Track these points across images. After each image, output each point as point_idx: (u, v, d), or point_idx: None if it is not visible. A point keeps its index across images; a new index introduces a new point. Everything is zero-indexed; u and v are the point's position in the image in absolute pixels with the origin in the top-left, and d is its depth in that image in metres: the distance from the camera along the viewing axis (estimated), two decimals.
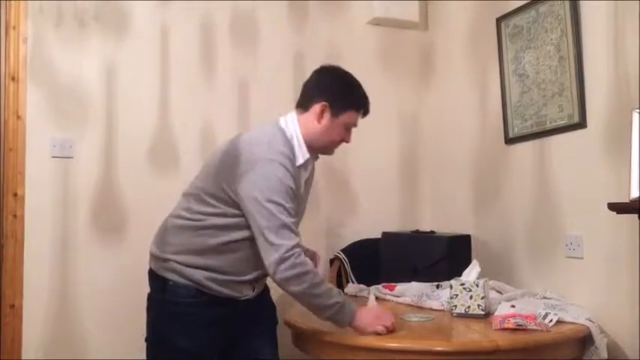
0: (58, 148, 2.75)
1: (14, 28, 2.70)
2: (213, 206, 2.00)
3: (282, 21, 3.18)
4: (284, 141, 2.03)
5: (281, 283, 1.93)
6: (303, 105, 2.13)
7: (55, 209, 2.74)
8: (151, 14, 2.94)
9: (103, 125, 2.84)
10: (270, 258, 1.90)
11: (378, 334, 1.96)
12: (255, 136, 2.07)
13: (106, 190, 2.82)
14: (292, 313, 2.36)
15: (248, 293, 2.09)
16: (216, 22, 3.06)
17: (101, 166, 2.82)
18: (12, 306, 2.65)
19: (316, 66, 3.18)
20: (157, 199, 2.80)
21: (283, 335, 2.31)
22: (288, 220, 1.92)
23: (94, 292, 2.76)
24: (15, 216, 2.67)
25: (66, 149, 2.76)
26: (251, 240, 1.98)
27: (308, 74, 3.10)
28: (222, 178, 1.99)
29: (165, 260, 2.04)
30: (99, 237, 2.80)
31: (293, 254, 1.89)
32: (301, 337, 2.20)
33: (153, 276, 2.09)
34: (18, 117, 2.70)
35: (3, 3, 2.71)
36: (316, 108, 2.08)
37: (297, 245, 1.92)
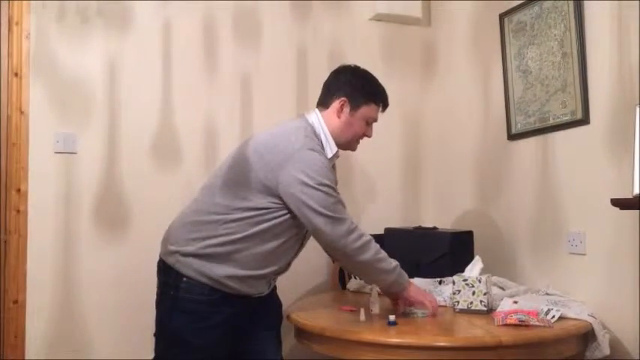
0: (61, 144, 2.75)
1: (17, 23, 2.70)
2: (243, 198, 2.01)
3: (284, 17, 3.18)
4: (314, 135, 2.11)
5: (351, 254, 2.03)
6: (323, 103, 2.21)
7: (58, 205, 2.74)
8: (154, 10, 2.93)
9: (105, 121, 2.84)
10: (337, 232, 1.99)
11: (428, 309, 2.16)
12: (289, 127, 2.12)
13: (109, 185, 2.82)
14: (295, 308, 2.37)
15: (263, 290, 2.11)
16: (218, 19, 3.06)
17: (104, 162, 2.83)
18: (15, 301, 2.66)
19: (319, 62, 3.22)
20: (160, 195, 2.81)
21: (285, 330, 2.31)
22: (339, 197, 2.04)
23: (97, 288, 2.77)
24: (18, 211, 2.68)
25: (69, 145, 2.76)
26: (276, 234, 2.02)
27: (311, 71, 3.16)
28: (257, 168, 2.00)
29: (184, 255, 2.02)
30: (102, 232, 2.81)
31: (356, 226, 2.03)
32: (304, 332, 2.20)
33: (166, 269, 2.06)
34: (21, 112, 2.70)
35: None
36: (336, 104, 2.16)
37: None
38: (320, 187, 1.97)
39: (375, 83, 2.24)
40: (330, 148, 2.14)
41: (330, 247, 2.06)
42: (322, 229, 1.99)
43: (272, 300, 2.25)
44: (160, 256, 2.11)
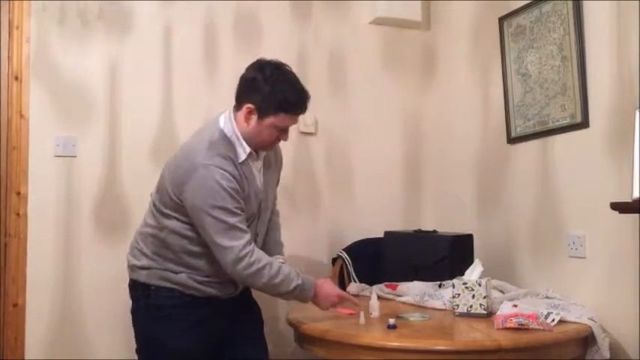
0: (61, 147, 2.75)
1: (17, 27, 2.71)
2: (169, 216, 2.03)
3: (284, 20, 3.18)
4: (222, 141, 2.03)
5: (242, 281, 2.03)
6: (237, 102, 2.11)
7: (58, 208, 2.74)
8: (154, 13, 2.94)
9: (106, 124, 2.84)
10: (225, 260, 1.95)
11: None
12: (194, 142, 2.07)
13: (109, 189, 2.82)
14: (295, 312, 2.36)
15: (230, 291, 2.12)
16: (219, 22, 3.06)
17: (104, 165, 2.83)
18: (15, 304, 2.66)
19: (319, 66, 3.23)
20: None
21: (286, 334, 2.31)
22: (234, 220, 1.95)
23: (96, 291, 2.76)
24: (18, 214, 2.68)
25: (69, 148, 2.77)
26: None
27: (311, 74, 3.16)
28: (171, 189, 2.01)
29: (145, 268, 2.08)
30: (102, 236, 2.80)
31: (247, 253, 1.94)
32: (304, 336, 2.20)
33: (135, 285, 2.12)
34: (21, 116, 2.70)
35: (6, 3, 2.72)
36: (244, 109, 2.05)
37: (249, 242, 1.96)
38: (211, 212, 1.92)
39: (287, 87, 2.03)
40: (244, 150, 2.05)
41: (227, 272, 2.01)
42: (214, 253, 1.97)
43: (248, 306, 2.26)
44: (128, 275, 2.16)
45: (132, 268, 2.13)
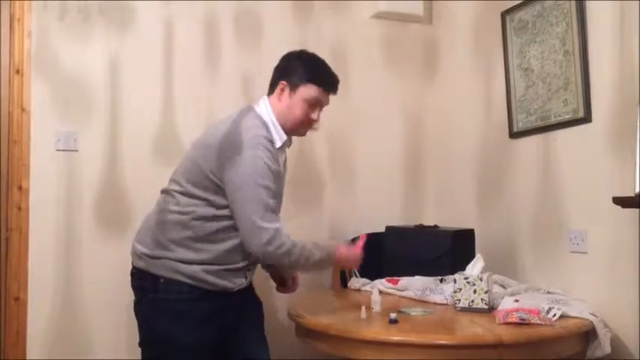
0: (62, 142, 2.75)
1: (19, 21, 2.70)
2: (200, 198, 2.03)
3: (285, 16, 3.18)
4: (261, 125, 2.07)
5: (273, 261, 2.06)
6: (270, 89, 2.19)
7: (59, 202, 2.75)
8: (155, 8, 2.93)
9: (107, 119, 2.84)
10: (256, 241, 1.95)
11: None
12: (235, 122, 2.07)
13: (110, 183, 2.82)
14: (297, 306, 2.36)
15: (241, 282, 2.11)
16: (220, 17, 3.05)
17: (105, 160, 2.83)
18: (16, 299, 2.66)
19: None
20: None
21: (287, 329, 2.32)
22: (273, 202, 1.98)
23: (98, 285, 2.77)
24: (19, 209, 2.68)
25: (70, 142, 2.77)
26: (235, 226, 2.01)
27: None
28: (208, 167, 2.01)
29: (157, 258, 2.04)
30: (103, 230, 2.81)
31: (276, 236, 1.96)
32: (305, 330, 2.21)
33: (141, 275, 2.08)
34: (23, 110, 2.70)
35: None
36: (278, 88, 2.13)
37: (279, 227, 1.98)
38: (255, 190, 1.95)
39: (317, 65, 2.17)
40: (280, 137, 2.10)
41: (254, 254, 2.02)
42: (245, 233, 1.98)
43: (252, 299, 2.26)
44: (132, 263, 2.13)
45: (140, 256, 2.08)
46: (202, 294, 2.03)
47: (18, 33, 2.70)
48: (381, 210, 3.26)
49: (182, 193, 2.06)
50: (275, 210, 2.00)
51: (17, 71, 2.70)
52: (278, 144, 2.09)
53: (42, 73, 2.74)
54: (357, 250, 2.23)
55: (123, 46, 2.87)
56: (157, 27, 2.94)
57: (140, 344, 2.10)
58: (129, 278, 2.73)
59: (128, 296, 2.73)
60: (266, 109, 2.12)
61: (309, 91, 2.12)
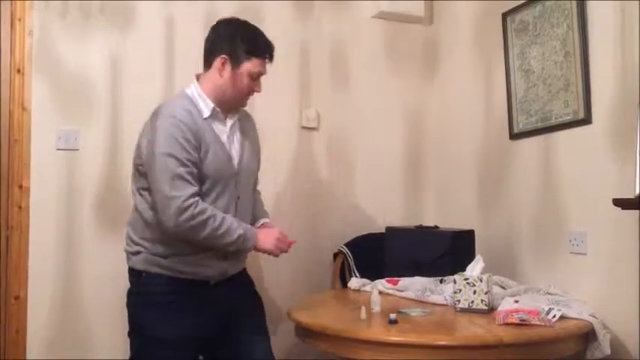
0: (63, 141, 2.75)
1: (20, 20, 2.70)
2: (143, 189, 2.05)
3: (287, 15, 3.18)
4: (182, 99, 2.08)
5: (183, 234, 1.97)
6: (205, 62, 2.16)
7: (60, 201, 2.75)
8: (156, 7, 2.93)
9: (108, 118, 2.84)
10: (167, 211, 1.93)
11: (276, 255, 2.11)
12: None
13: (110, 182, 2.82)
14: (296, 307, 2.37)
15: (224, 268, 2.10)
16: (221, 15, 3.01)
17: (106, 159, 2.83)
18: (17, 297, 2.66)
19: (322, 60, 3.23)
20: None
21: (286, 329, 2.32)
22: (181, 170, 1.94)
23: (98, 284, 2.77)
24: (20, 207, 2.68)
25: (71, 141, 2.77)
26: None
27: (313, 68, 3.17)
28: (137, 155, 2.07)
29: (136, 253, 2.09)
30: (103, 229, 2.81)
31: (191, 204, 1.93)
32: (305, 330, 2.21)
33: (130, 272, 2.14)
34: (23, 109, 2.70)
35: None
36: (217, 62, 2.10)
37: (194, 195, 1.94)
38: (158, 159, 1.94)
39: (256, 36, 2.13)
40: (207, 107, 2.08)
41: (164, 228, 1.97)
42: (157, 205, 1.96)
43: (249, 300, 2.23)
44: None
45: (126, 255, 2.14)
46: (184, 286, 2.04)
47: (19, 32, 2.70)
48: (381, 210, 3.26)
49: (134, 191, 2.12)
50: (185, 177, 1.94)
51: (18, 70, 2.70)
52: (206, 114, 2.07)
53: (43, 72, 2.74)
54: (278, 230, 2.15)
55: (124, 45, 2.87)
56: (158, 26, 2.94)
57: (128, 335, 2.13)
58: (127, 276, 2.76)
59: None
60: (193, 86, 2.13)
61: (253, 65, 2.10)
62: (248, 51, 2.09)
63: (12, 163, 2.69)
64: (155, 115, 2.05)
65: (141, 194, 2.07)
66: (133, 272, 2.11)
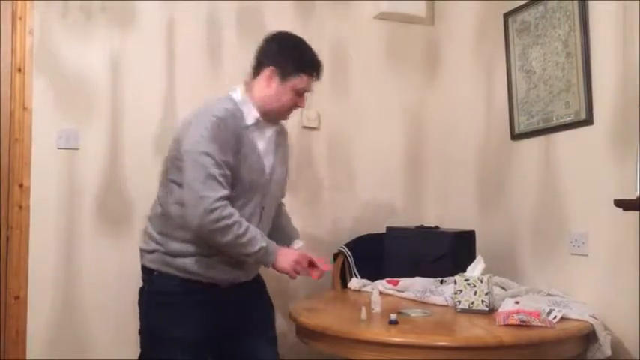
0: (64, 140, 2.75)
1: (20, 19, 2.70)
2: (174, 182, 2.04)
3: (288, 15, 3.17)
4: (229, 102, 2.08)
5: (206, 236, 1.96)
6: (254, 71, 2.17)
7: (60, 201, 2.75)
8: (158, 6, 2.93)
9: (109, 117, 2.84)
10: (195, 210, 1.91)
11: (292, 276, 2.09)
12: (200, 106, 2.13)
13: (111, 181, 2.82)
14: (297, 307, 2.36)
15: (237, 275, 2.10)
16: (222, 16, 3.05)
17: (107, 158, 2.83)
18: (17, 297, 2.66)
19: (323, 59, 3.17)
20: None
21: (287, 329, 2.31)
22: (216, 171, 1.93)
23: (98, 284, 2.77)
24: (21, 207, 2.68)
25: (72, 141, 2.77)
26: None
27: None
28: (175, 147, 2.05)
29: (151, 252, 2.09)
30: (104, 229, 2.81)
31: (219, 207, 1.92)
32: (305, 331, 2.20)
33: (143, 270, 2.14)
34: (24, 108, 2.70)
35: None
36: (265, 73, 2.11)
37: (224, 198, 1.94)
38: (195, 156, 1.94)
39: (306, 52, 2.16)
40: (252, 115, 2.09)
41: (187, 225, 1.96)
42: (185, 203, 1.95)
43: (260, 300, 2.24)
44: None
45: (141, 252, 2.14)
46: (195, 288, 2.04)
47: (20, 31, 2.70)
48: (381, 210, 3.26)
49: (162, 182, 2.12)
50: (218, 179, 1.93)
51: (19, 69, 2.70)
52: (250, 121, 2.08)
53: (44, 71, 2.74)
54: (299, 252, 2.14)
55: (125, 44, 2.87)
56: (159, 25, 2.94)
57: (139, 333, 2.14)
58: (129, 276, 2.75)
59: (129, 294, 2.74)
60: (240, 91, 2.13)
61: (300, 81, 2.12)
62: (297, 66, 2.11)
63: (12, 163, 2.69)
64: (198, 113, 2.05)
65: (171, 188, 2.05)
66: (145, 270, 2.12)
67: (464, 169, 3.17)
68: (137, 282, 2.59)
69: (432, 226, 2.99)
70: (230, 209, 1.94)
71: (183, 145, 1.98)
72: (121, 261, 2.80)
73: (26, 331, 2.67)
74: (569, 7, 2.47)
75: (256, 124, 2.10)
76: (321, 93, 3.19)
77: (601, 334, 2.10)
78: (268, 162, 2.14)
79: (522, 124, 2.75)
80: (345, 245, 3.04)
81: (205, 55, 3.01)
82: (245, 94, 2.11)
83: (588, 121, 2.38)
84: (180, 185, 2.01)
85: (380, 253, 2.94)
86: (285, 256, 2.07)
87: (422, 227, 2.99)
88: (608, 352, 2.10)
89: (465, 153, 3.16)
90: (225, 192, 1.94)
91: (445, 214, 3.27)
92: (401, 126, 3.39)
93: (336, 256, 3.06)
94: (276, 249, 2.06)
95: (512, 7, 2.79)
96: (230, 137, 1.99)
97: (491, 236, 2.88)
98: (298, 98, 2.15)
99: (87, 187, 2.79)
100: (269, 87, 2.11)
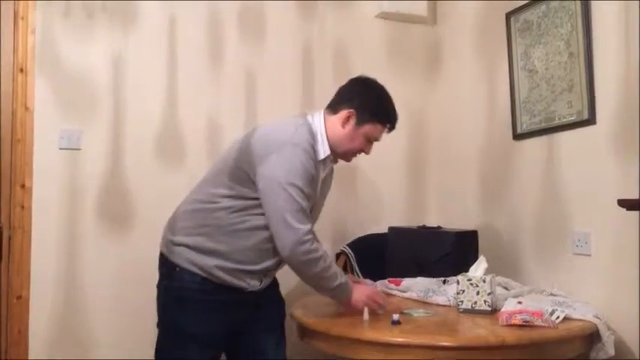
0: (65, 140, 2.75)
1: (22, 18, 2.70)
2: (230, 188, 2.04)
3: (289, 14, 3.17)
4: (309, 132, 2.08)
5: (295, 266, 2.01)
6: (333, 107, 2.20)
7: (62, 201, 2.75)
8: (159, 6, 2.93)
9: (110, 117, 2.84)
10: (287, 240, 1.95)
11: (371, 311, 2.13)
12: (282, 122, 2.13)
13: (113, 181, 2.82)
14: (298, 307, 2.36)
15: (255, 285, 2.11)
16: (224, 14, 3.05)
17: (109, 158, 2.83)
18: (19, 297, 2.66)
19: (324, 60, 3.23)
20: (164, 191, 2.81)
21: (288, 329, 2.31)
22: (305, 204, 1.99)
23: (100, 284, 2.77)
24: (23, 207, 2.68)
25: (74, 141, 2.77)
26: (265, 228, 2.01)
27: (316, 66, 3.17)
28: (244, 160, 2.04)
29: (177, 244, 2.07)
30: (106, 229, 2.81)
31: (309, 239, 1.97)
32: (307, 330, 2.20)
33: (162, 260, 2.13)
34: (26, 108, 2.70)
35: None
36: (343, 113, 2.15)
37: (311, 230, 1.99)
38: (288, 188, 1.96)
39: (387, 104, 2.21)
40: (324, 150, 2.12)
41: (280, 253, 2.01)
42: (275, 231, 1.98)
43: (273, 298, 2.27)
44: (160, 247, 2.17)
45: (166, 242, 2.13)
46: (215, 287, 2.05)
47: (22, 31, 2.70)
48: (383, 210, 3.26)
49: (213, 184, 2.10)
50: (306, 212, 2.00)
51: (21, 69, 2.70)
52: (321, 156, 2.11)
53: (45, 71, 2.74)
54: (370, 291, 2.22)
55: (127, 44, 2.87)
56: (161, 24, 2.94)
57: (157, 325, 2.14)
58: (131, 276, 2.77)
59: (131, 294, 2.76)
60: (319, 122, 2.15)
61: (375, 129, 2.18)
62: (375, 114, 2.16)
63: (14, 163, 2.69)
64: (281, 137, 2.03)
65: (225, 192, 2.06)
66: (166, 263, 2.10)
67: (466, 168, 3.16)
68: (139, 281, 2.60)
69: (435, 226, 2.99)
70: (317, 243, 2.01)
71: (271, 170, 1.98)
72: (122, 260, 2.80)
73: (28, 331, 2.67)
74: (571, 7, 2.46)
75: (325, 159, 2.14)
76: (322, 92, 3.19)
77: (604, 334, 2.09)
78: (318, 190, 2.19)
79: (525, 124, 2.74)
80: (348, 245, 3.04)
81: (207, 55, 3.01)
82: (324, 128, 2.14)
83: (591, 120, 2.37)
84: (238, 196, 2.03)
85: (382, 253, 2.94)
86: (362, 292, 2.15)
87: (424, 227, 2.99)
88: (612, 352, 2.09)
89: (467, 153, 3.16)
90: (310, 225, 2.01)
91: (447, 214, 3.26)
92: (403, 125, 3.33)
93: (338, 256, 3.05)
94: (351, 287, 2.13)
95: (515, 7, 2.79)
96: (314, 171, 2.04)
97: (493, 236, 2.88)
98: (367, 145, 2.20)
99: (89, 188, 2.79)
100: (343, 128, 2.15)
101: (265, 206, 2.00)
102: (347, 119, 2.15)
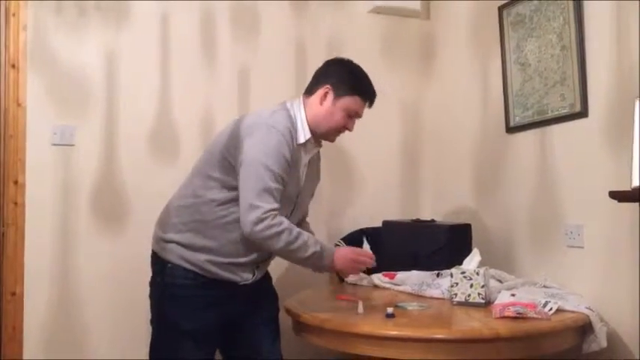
0: (58, 136, 2.75)
1: (14, 15, 2.69)
2: (215, 179, 2.06)
3: (283, 10, 3.17)
4: (286, 117, 2.09)
5: (258, 242, 2.00)
6: (309, 90, 2.20)
7: (55, 197, 2.74)
8: (152, 3, 2.92)
9: (103, 113, 2.83)
10: (246, 217, 1.95)
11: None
12: (260, 110, 2.16)
13: (106, 177, 2.82)
14: (293, 301, 2.36)
15: (248, 277, 2.12)
16: (217, 11, 3.04)
17: (102, 154, 2.82)
18: (13, 293, 2.66)
19: (317, 55, 3.20)
20: (157, 187, 2.80)
21: (283, 323, 2.32)
22: (274, 185, 1.98)
23: (94, 280, 2.77)
24: (16, 203, 2.67)
25: (66, 137, 2.76)
26: None
27: (309, 63, 3.15)
28: (226, 149, 2.05)
29: (167, 241, 2.09)
30: (100, 225, 2.80)
31: (269, 216, 1.95)
32: (301, 324, 2.21)
33: (154, 258, 2.15)
34: (18, 105, 2.69)
35: None
36: (320, 91, 2.15)
37: (275, 209, 1.97)
38: (258, 167, 1.97)
39: (363, 77, 2.21)
40: (304, 134, 2.12)
41: (242, 230, 2.00)
42: (241, 208, 1.98)
43: (267, 292, 2.28)
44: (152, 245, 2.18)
45: (157, 239, 2.15)
46: (207, 282, 2.06)
47: (13, 27, 2.69)
48: (377, 204, 3.26)
49: (199, 177, 2.12)
50: (274, 193, 1.98)
51: (13, 66, 2.69)
52: (301, 140, 2.11)
53: (38, 67, 2.73)
54: (355, 251, 2.20)
55: (119, 40, 2.86)
56: (154, 21, 2.93)
57: (150, 322, 2.15)
58: (125, 272, 2.76)
59: (125, 291, 2.76)
60: (298, 107, 2.15)
61: (354, 102, 2.16)
62: (352, 87, 2.16)
63: (7, 159, 2.68)
64: (260, 121, 2.05)
65: (210, 185, 2.07)
66: (158, 260, 2.12)
67: (460, 162, 3.17)
68: (133, 277, 2.60)
69: (428, 219, 2.99)
70: (280, 218, 1.99)
71: (245, 153, 1.99)
72: (117, 257, 2.79)
73: (23, 327, 2.67)
74: (563, 0, 2.46)
75: (306, 143, 2.13)
76: None
77: (597, 325, 2.10)
78: (302, 179, 2.18)
79: (517, 117, 2.75)
80: (342, 239, 3.04)
81: (200, 52, 3.01)
82: (303, 111, 2.14)
83: (583, 113, 2.38)
84: (222, 186, 2.04)
85: (376, 246, 2.93)
86: (344, 257, 2.12)
87: (418, 221, 2.99)
88: (604, 344, 2.10)
89: (460, 146, 3.16)
90: (276, 205, 1.99)
91: (441, 208, 3.27)
92: (397, 120, 3.38)
93: None
94: (332, 252, 2.10)
95: (507, 0, 2.79)
96: (289, 155, 2.03)
97: (487, 229, 2.89)
98: (348, 120, 2.18)
99: (82, 184, 2.78)
100: (321, 105, 2.15)
101: (239, 184, 2.00)
102: (324, 95, 2.15)
